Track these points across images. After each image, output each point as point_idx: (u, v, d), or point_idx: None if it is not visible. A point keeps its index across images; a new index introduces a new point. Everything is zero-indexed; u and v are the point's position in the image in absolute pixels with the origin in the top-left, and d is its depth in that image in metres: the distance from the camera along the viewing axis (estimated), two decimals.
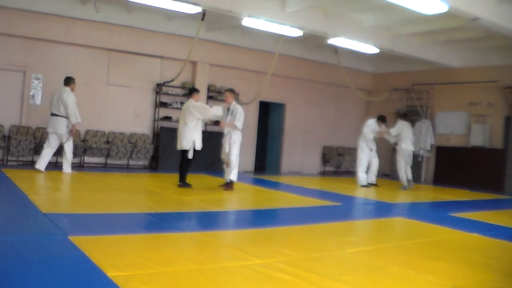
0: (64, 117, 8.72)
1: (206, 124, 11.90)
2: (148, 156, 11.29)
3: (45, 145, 8.92)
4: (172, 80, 11.17)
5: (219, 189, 8.22)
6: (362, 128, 10.93)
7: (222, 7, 8.69)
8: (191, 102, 8.16)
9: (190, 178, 8.95)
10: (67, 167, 9.00)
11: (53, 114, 8.77)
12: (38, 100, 10.29)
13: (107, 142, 10.99)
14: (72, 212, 5.21)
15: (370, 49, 11.33)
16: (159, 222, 5.14)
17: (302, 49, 13.20)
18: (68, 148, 8.95)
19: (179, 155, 8.30)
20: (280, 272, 3.40)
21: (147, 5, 8.95)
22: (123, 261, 3.39)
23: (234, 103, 8.36)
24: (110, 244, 3.92)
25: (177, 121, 11.75)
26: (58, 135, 8.84)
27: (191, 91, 8.47)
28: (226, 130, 8.32)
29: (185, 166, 8.17)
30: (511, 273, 3.95)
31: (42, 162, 8.79)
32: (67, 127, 8.80)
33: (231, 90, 8.53)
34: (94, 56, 10.90)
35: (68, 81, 8.87)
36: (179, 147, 8.15)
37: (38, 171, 8.71)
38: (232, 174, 8.23)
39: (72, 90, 8.86)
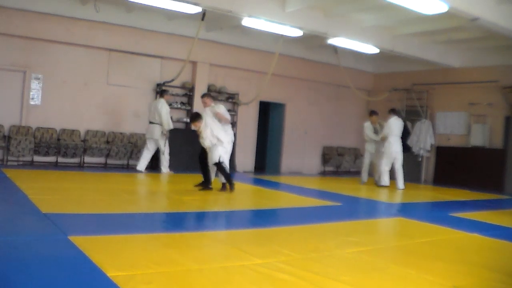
0: (159, 124, 9.97)
1: None
2: None
3: (144, 149, 10.29)
4: (172, 80, 11.17)
5: (219, 191, 8.14)
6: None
7: (222, 7, 8.69)
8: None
9: (190, 178, 8.97)
10: (164, 168, 10.23)
11: (150, 122, 10.11)
12: (38, 100, 10.30)
13: (107, 142, 10.99)
14: (72, 212, 5.20)
15: (370, 49, 11.33)
16: (159, 222, 5.14)
17: (302, 49, 13.20)
18: (166, 151, 10.22)
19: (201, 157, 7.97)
20: (280, 272, 3.40)
21: (147, 5, 8.96)
22: (123, 261, 3.39)
23: (212, 105, 8.07)
24: (110, 244, 3.92)
25: (178, 121, 11.83)
26: (154, 140, 10.13)
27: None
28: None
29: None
30: (511, 273, 3.95)
31: (142, 164, 10.17)
32: (162, 132, 10.04)
33: (207, 95, 8.19)
34: (94, 56, 10.89)
35: (163, 93, 10.30)
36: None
37: (139, 172, 10.04)
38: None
39: (167, 100, 10.21)
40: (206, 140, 7.48)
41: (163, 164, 10.28)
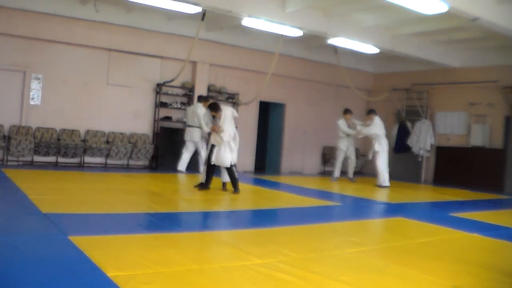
0: (198, 127, 10.13)
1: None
2: (148, 156, 11.29)
3: (183, 150, 10.63)
4: (172, 80, 11.17)
5: (220, 190, 8.15)
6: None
7: (222, 7, 8.69)
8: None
9: (190, 178, 8.97)
10: (200, 168, 10.21)
11: (189, 126, 10.49)
12: (38, 100, 10.29)
13: (107, 142, 10.99)
14: (72, 212, 5.20)
15: (370, 49, 11.32)
16: (159, 222, 5.14)
17: (302, 49, 13.20)
18: (203, 153, 10.12)
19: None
20: (280, 272, 3.40)
21: (147, 5, 8.95)
22: (123, 261, 3.39)
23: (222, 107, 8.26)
24: (110, 244, 3.92)
25: (178, 121, 11.84)
26: (194, 142, 10.54)
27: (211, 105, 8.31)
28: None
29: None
30: (511, 273, 3.95)
31: (182, 164, 10.57)
32: (202, 135, 10.42)
33: (208, 98, 8.39)
34: (94, 56, 10.89)
35: (200, 99, 10.45)
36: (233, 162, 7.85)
37: (180, 172, 10.46)
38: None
39: (204, 106, 10.15)
40: (226, 133, 7.58)
41: (201, 164, 10.24)
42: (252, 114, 13.14)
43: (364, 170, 14.49)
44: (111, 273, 3.07)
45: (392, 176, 10.89)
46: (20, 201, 5.55)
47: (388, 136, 13.95)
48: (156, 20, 11.07)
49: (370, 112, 11.26)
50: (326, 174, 14.40)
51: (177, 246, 4.10)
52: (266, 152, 14.34)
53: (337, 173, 11.80)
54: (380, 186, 10.72)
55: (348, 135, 11.51)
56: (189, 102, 12.07)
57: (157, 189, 8.08)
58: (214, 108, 7.77)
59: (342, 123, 11.48)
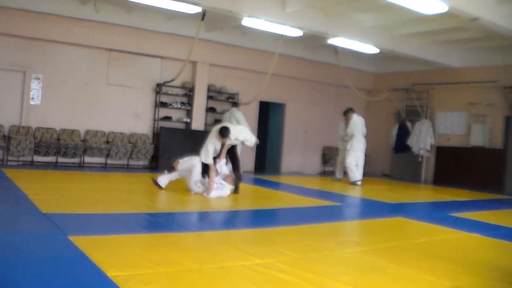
0: None
1: (206, 125, 11.99)
2: (148, 156, 11.29)
3: None
4: (172, 80, 11.17)
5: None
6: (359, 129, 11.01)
7: (222, 7, 8.69)
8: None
9: None
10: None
11: None
12: (38, 100, 10.29)
13: (107, 142, 10.99)
14: (72, 212, 5.20)
15: (370, 49, 11.33)
16: (159, 222, 5.14)
17: (302, 49, 13.20)
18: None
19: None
20: (280, 272, 3.40)
21: (147, 5, 8.96)
22: (123, 261, 3.38)
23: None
24: (110, 244, 3.92)
25: (178, 121, 11.84)
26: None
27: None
28: None
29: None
30: (511, 273, 3.95)
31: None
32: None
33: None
34: (94, 56, 10.89)
35: (235, 104, 11.38)
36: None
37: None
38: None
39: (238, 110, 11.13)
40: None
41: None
42: (252, 114, 13.13)
43: (365, 170, 14.46)
44: (111, 273, 3.07)
45: (392, 176, 10.89)
46: (20, 201, 5.55)
47: (388, 136, 14.06)
48: (156, 20, 11.07)
49: (348, 111, 11.19)
50: (326, 174, 14.41)
51: (177, 246, 4.10)
52: (266, 152, 14.34)
53: (338, 174, 11.76)
54: (353, 183, 10.81)
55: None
56: (189, 102, 12.08)
57: (157, 189, 8.07)
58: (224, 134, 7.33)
59: (340, 125, 11.52)
